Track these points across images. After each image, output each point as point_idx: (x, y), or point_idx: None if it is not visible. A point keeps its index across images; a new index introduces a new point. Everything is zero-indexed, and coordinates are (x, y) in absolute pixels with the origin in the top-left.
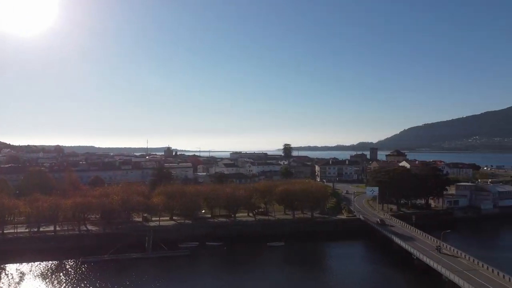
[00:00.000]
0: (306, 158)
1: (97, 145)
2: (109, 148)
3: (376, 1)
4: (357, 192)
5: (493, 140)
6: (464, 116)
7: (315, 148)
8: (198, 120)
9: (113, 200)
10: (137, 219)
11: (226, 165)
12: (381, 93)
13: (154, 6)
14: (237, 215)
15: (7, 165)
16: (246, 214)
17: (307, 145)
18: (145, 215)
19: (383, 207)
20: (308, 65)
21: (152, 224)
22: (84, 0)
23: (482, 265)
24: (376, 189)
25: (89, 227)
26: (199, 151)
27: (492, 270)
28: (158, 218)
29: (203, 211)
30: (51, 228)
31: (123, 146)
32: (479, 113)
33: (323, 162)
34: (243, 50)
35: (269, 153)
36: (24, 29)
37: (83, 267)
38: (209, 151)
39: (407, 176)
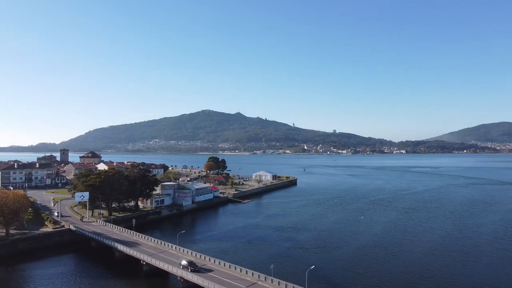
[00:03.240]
0: None
1: None
2: None
3: None
4: (57, 199)
5: (170, 143)
6: (146, 120)
7: None
8: None
9: None
10: None
11: None
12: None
13: None
14: None
15: None
16: None
17: None
18: None
19: (93, 212)
20: None
21: None
22: None
23: (209, 259)
24: (87, 194)
25: None
26: None
27: (224, 264)
28: None
29: None
30: None
31: None
32: (158, 118)
33: (5, 166)
34: None
35: None
36: None
37: None
38: None
39: (118, 179)
